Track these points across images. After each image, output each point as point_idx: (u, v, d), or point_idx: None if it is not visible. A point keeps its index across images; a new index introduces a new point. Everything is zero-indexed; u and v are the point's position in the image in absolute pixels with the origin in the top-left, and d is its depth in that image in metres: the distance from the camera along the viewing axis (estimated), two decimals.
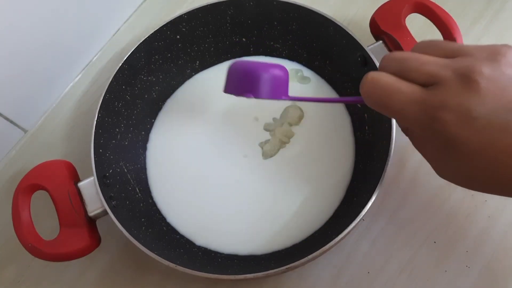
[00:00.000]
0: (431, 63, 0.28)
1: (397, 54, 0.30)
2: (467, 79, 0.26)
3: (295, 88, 0.49)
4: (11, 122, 0.49)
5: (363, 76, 0.30)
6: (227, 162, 0.47)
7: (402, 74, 0.29)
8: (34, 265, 0.38)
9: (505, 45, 0.28)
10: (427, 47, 0.30)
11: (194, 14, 0.46)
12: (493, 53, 0.27)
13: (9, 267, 0.45)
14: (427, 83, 0.28)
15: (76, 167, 0.43)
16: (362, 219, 0.37)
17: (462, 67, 0.27)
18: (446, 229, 0.43)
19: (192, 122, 0.49)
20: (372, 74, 0.30)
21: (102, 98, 0.43)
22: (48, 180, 0.40)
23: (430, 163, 0.31)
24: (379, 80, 0.29)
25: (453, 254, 0.42)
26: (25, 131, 0.51)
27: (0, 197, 0.48)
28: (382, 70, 0.30)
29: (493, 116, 0.26)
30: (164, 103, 0.50)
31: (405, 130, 0.33)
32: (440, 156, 0.29)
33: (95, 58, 0.55)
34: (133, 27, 0.56)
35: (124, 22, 0.56)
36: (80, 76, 0.54)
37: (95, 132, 0.42)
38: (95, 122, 0.42)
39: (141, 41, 0.46)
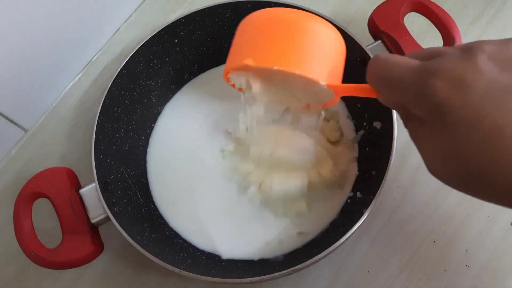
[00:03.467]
0: (441, 47, 0.28)
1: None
2: (467, 52, 0.26)
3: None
4: (11, 121, 0.49)
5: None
6: (228, 165, 0.47)
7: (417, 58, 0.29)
8: (34, 265, 0.38)
9: None
10: None
11: (192, 17, 0.46)
12: (506, 40, 0.27)
13: (9, 267, 0.46)
14: (430, 57, 0.28)
15: (76, 173, 0.43)
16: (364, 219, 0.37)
17: (468, 45, 0.27)
18: (446, 229, 0.44)
19: (192, 126, 0.49)
20: (381, 54, 0.30)
21: (101, 104, 0.43)
22: (49, 188, 0.40)
23: (422, 156, 0.29)
24: (384, 55, 0.30)
25: (452, 253, 0.43)
26: (25, 130, 0.51)
27: (0, 197, 0.48)
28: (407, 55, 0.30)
29: (488, 92, 0.24)
30: (163, 108, 0.50)
31: (404, 118, 0.31)
32: (431, 135, 0.27)
33: (95, 57, 0.54)
34: (133, 27, 0.56)
35: (124, 22, 0.56)
36: (80, 75, 0.54)
37: (95, 138, 0.42)
38: (95, 128, 0.42)
39: (139, 46, 0.45)
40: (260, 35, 0.34)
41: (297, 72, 0.33)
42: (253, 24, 0.36)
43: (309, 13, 0.36)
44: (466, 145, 0.25)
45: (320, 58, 0.34)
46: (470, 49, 0.26)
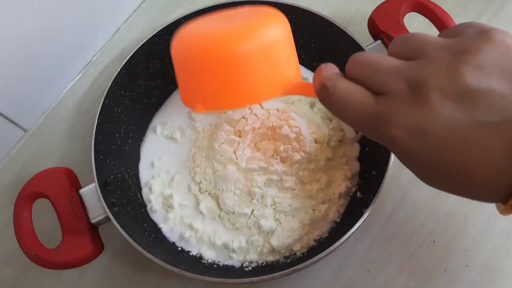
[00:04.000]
0: (384, 71, 0.26)
1: (360, 57, 0.28)
2: (417, 92, 0.24)
3: None
4: (11, 121, 0.49)
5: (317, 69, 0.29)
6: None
7: (359, 81, 0.27)
8: (34, 265, 0.39)
9: (480, 38, 0.25)
10: (399, 44, 0.28)
11: (192, 17, 0.46)
12: (457, 53, 0.24)
13: (9, 267, 0.46)
14: (378, 92, 0.26)
15: (76, 173, 0.43)
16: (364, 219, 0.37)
17: (414, 77, 0.25)
18: (446, 229, 0.44)
19: (189, 125, 0.48)
20: (326, 79, 0.28)
21: (101, 103, 0.43)
22: (49, 188, 0.40)
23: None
24: (331, 87, 0.27)
25: (452, 253, 0.43)
26: (25, 130, 0.51)
27: (0, 197, 0.48)
28: (347, 73, 0.28)
29: (447, 133, 0.24)
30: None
31: None
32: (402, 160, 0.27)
33: (95, 57, 0.54)
34: (133, 27, 0.56)
35: (124, 22, 0.56)
36: (80, 75, 0.54)
37: (95, 138, 0.42)
38: (95, 128, 0.42)
39: (139, 46, 0.45)
40: (199, 74, 0.31)
41: (247, 105, 0.31)
42: (187, 59, 0.31)
43: (237, 29, 0.31)
44: (436, 180, 0.26)
45: (267, 75, 0.30)
46: (419, 88, 0.24)
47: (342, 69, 0.47)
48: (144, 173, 0.46)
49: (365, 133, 0.28)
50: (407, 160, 0.27)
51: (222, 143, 0.43)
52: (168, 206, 0.44)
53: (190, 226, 0.43)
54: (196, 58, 0.30)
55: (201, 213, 0.43)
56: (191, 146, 0.46)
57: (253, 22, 0.31)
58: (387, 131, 0.25)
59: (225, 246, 0.42)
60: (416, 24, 0.49)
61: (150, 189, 0.45)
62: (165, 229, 0.43)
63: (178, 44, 0.32)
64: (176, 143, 0.47)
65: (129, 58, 0.45)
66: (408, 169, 0.27)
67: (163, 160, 0.46)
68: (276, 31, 0.31)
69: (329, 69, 0.29)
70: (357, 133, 0.46)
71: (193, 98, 0.32)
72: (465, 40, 0.25)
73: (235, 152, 0.43)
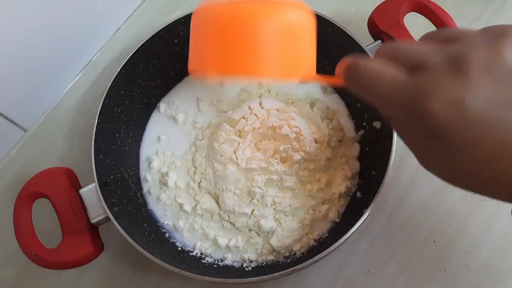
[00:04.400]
0: (421, 49, 0.26)
1: (392, 43, 0.28)
2: (458, 66, 0.24)
3: (293, 90, 0.49)
4: (11, 121, 0.49)
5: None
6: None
7: (392, 60, 0.26)
8: (34, 265, 0.39)
9: None
10: (430, 35, 0.28)
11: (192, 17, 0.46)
12: (496, 36, 0.24)
13: (9, 267, 0.46)
14: (414, 68, 0.25)
15: (76, 173, 0.43)
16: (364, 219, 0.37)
17: (454, 52, 0.24)
18: (446, 228, 0.44)
19: (187, 124, 0.48)
20: (355, 59, 0.27)
21: (101, 103, 0.43)
22: (49, 188, 0.40)
23: (415, 155, 0.27)
24: (363, 62, 0.27)
25: (452, 253, 0.43)
26: (25, 130, 0.51)
27: (0, 197, 0.49)
28: (378, 55, 0.28)
29: (485, 110, 0.23)
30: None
31: (388, 119, 0.29)
32: (426, 147, 0.26)
33: (95, 57, 0.54)
34: (133, 27, 0.56)
35: (124, 22, 0.56)
36: (80, 75, 0.54)
37: (95, 138, 0.42)
38: (95, 128, 0.42)
39: (139, 46, 0.45)
40: (221, 40, 0.31)
41: (262, 78, 0.31)
42: (209, 21, 0.32)
43: (267, 4, 0.31)
44: (467, 164, 0.24)
45: (288, 53, 0.31)
46: (460, 62, 0.24)
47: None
48: (146, 150, 0.47)
49: (396, 110, 0.26)
50: (437, 143, 0.25)
51: (222, 143, 0.43)
52: (163, 183, 0.45)
53: (181, 207, 0.44)
54: (222, 26, 0.31)
55: (196, 210, 0.44)
56: (191, 145, 0.46)
57: (283, 3, 0.32)
58: (424, 105, 0.24)
59: (220, 242, 0.42)
60: (416, 24, 0.49)
61: (149, 165, 0.46)
62: (158, 212, 0.45)
63: (205, 11, 0.33)
64: (177, 125, 0.48)
65: (129, 58, 0.45)
66: (429, 161, 0.26)
67: (167, 140, 0.47)
68: (303, 18, 0.32)
69: (355, 56, 0.28)
70: (357, 133, 0.46)
71: (205, 61, 0.32)
72: (500, 27, 0.25)
73: (235, 152, 0.43)
